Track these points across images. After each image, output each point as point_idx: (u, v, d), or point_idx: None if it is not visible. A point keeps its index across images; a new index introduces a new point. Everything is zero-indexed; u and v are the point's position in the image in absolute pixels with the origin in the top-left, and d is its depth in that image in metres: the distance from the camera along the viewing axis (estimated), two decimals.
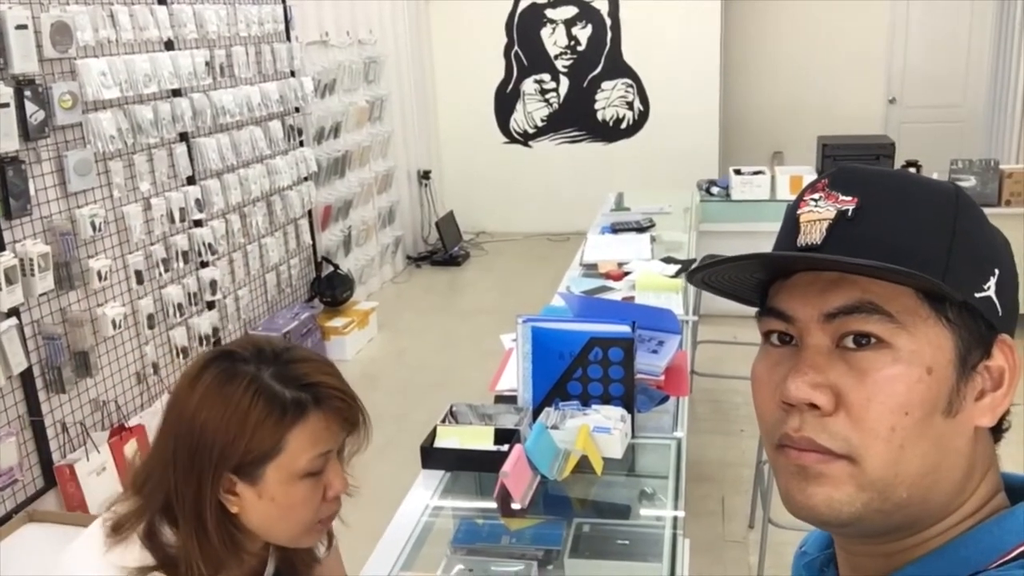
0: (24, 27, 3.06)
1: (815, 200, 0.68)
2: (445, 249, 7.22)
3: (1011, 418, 0.68)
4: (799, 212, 0.68)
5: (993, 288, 0.65)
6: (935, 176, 5.17)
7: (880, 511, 0.63)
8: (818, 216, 0.66)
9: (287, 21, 5.05)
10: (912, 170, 5.31)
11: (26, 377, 3.13)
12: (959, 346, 0.63)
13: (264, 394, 1.08)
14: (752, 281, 0.71)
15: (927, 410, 0.62)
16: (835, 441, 0.62)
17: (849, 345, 0.63)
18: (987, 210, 3.40)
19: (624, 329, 1.97)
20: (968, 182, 4.99)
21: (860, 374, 0.62)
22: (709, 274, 0.71)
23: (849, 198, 0.66)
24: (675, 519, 1.79)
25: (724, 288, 0.74)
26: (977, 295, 0.64)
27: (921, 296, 0.63)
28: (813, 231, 0.66)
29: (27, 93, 3.09)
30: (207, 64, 4.17)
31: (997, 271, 0.66)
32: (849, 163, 0.73)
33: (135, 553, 1.11)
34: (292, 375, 1.11)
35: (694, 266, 0.72)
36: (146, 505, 1.13)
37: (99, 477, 3.33)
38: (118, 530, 1.13)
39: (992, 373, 0.65)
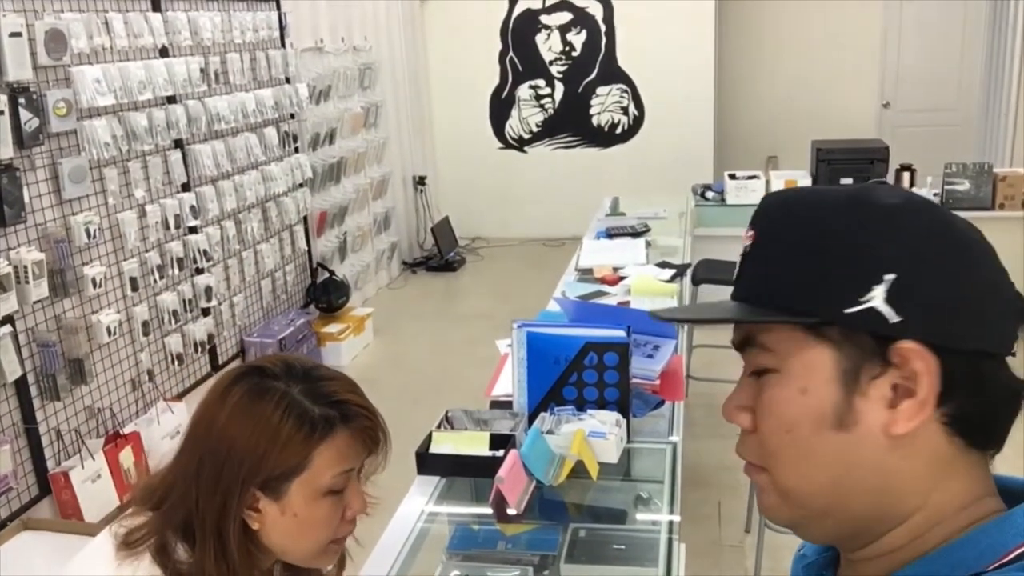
0: (18, 34, 3.06)
1: (744, 234, 0.74)
2: (441, 255, 7.22)
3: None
4: None
5: (881, 296, 0.63)
6: (930, 179, 5.21)
7: (812, 518, 0.69)
8: (739, 253, 0.73)
9: (282, 28, 5.06)
10: (906, 175, 5.33)
11: (20, 384, 3.12)
12: (843, 363, 0.64)
13: (295, 410, 1.10)
14: None
15: (810, 427, 0.66)
16: (753, 455, 0.70)
17: (757, 372, 0.70)
18: (981, 214, 3.38)
19: (619, 334, 1.97)
20: (962, 186, 5.01)
21: (760, 398, 0.69)
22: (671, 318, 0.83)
23: (751, 233, 0.71)
24: (671, 523, 1.79)
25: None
26: (850, 310, 0.63)
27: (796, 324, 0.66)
28: (737, 267, 0.73)
29: (21, 100, 3.08)
30: (202, 71, 4.17)
31: (891, 276, 0.63)
32: (780, 190, 0.73)
33: (145, 568, 1.10)
34: (321, 392, 1.13)
35: (654, 312, 0.78)
36: (164, 521, 1.13)
37: (94, 484, 3.32)
38: (130, 545, 1.12)
39: (900, 382, 0.63)
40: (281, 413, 1.09)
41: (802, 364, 0.66)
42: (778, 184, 5.35)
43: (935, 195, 5.17)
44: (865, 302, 0.63)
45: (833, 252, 0.65)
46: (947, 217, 0.66)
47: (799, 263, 0.66)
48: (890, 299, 0.63)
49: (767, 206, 0.71)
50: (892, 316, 0.63)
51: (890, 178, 5.38)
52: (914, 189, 5.28)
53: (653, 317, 0.76)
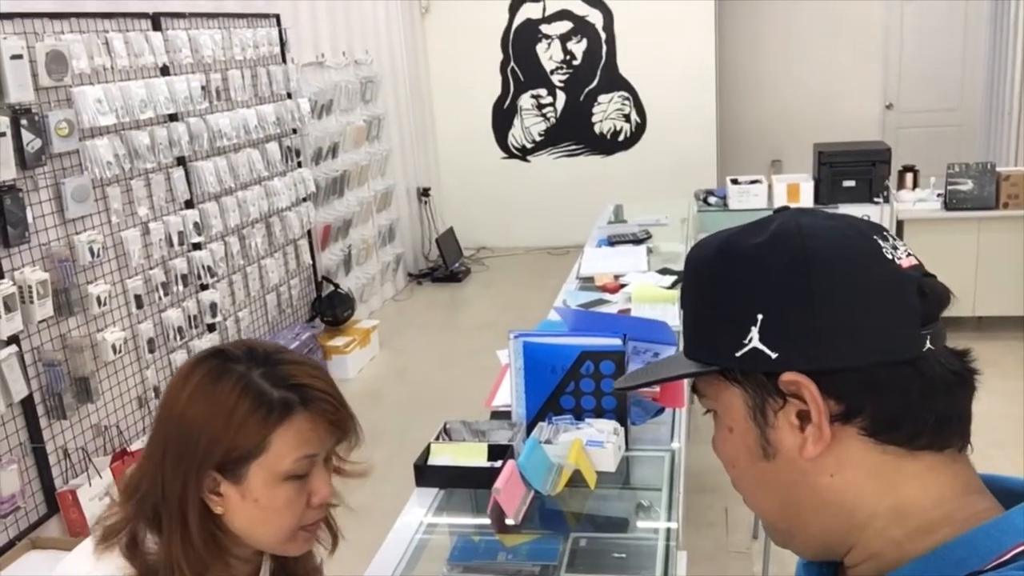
0: (19, 56, 3.09)
1: None
2: (446, 265, 7.23)
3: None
4: None
5: (756, 336, 0.67)
6: (933, 180, 5.21)
7: (786, 538, 0.74)
8: None
9: (282, 43, 5.09)
10: (909, 176, 5.31)
11: (27, 404, 3.14)
12: (750, 401, 0.69)
13: (251, 391, 1.08)
14: None
15: (746, 460, 0.72)
16: (735, 487, 0.76)
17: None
18: (985, 213, 3.38)
19: (615, 342, 1.97)
20: (965, 186, 5.00)
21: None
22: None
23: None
24: (669, 531, 1.79)
25: None
26: (738, 353, 0.68)
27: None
28: None
29: (23, 122, 3.11)
30: (203, 88, 4.20)
31: (760, 316, 0.66)
32: (698, 243, 0.76)
33: (113, 563, 1.11)
34: (281, 375, 1.11)
35: (622, 381, 0.86)
36: (136, 511, 1.13)
37: (102, 502, 3.33)
38: (107, 538, 1.13)
39: (801, 409, 0.67)
40: (238, 394, 1.08)
41: (724, 406, 0.72)
42: (780, 188, 5.35)
43: (939, 195, 5.17)
44: (748, 343, 0.67)
45: (713, 304, 0.71)
46: (814, 243, 0.67)
47: (695, 316, 0.73)
48: (762, 338, 0.66)
49: (685, 260, 0.77)
50: (771, 353, 0.66)
51: (893, 179, 5.37)
52: (917, 190, 5.27)
53: (617, 390, 0.84)
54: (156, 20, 3.96)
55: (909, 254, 0.68)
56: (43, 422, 3.22)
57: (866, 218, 0.72)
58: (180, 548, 1.10)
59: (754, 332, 0.67)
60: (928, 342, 0.66)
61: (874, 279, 0.66)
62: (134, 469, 1.18)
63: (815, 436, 0.66)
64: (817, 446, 0.66)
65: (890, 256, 0.67)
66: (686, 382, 2.46)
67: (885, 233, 0.69)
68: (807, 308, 0.65)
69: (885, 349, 0.65)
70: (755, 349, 0.67)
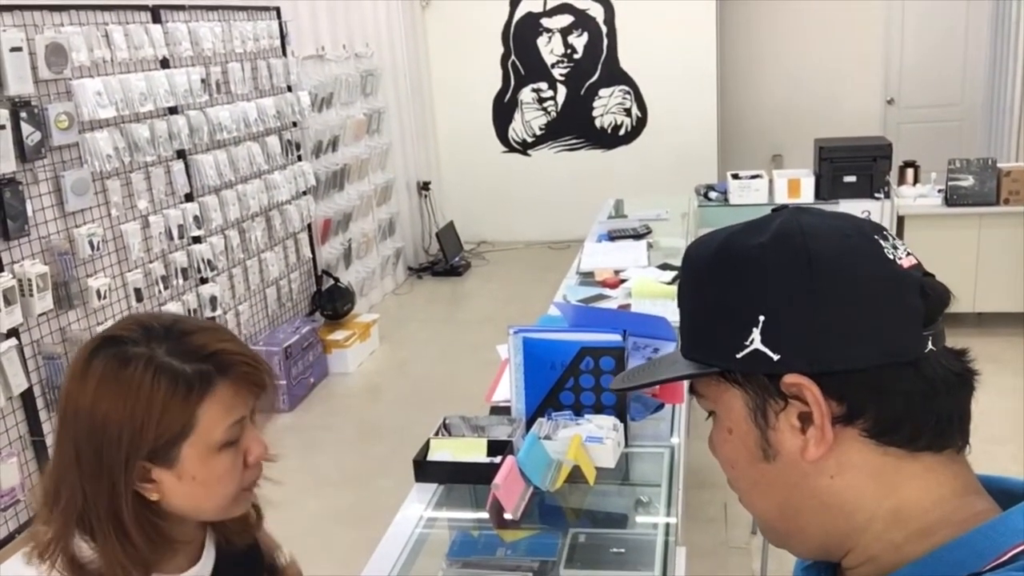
0: (19, 49, 3.08)
1: None
2: (446, 259, 7.23)
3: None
4: None
5: (758, 338, 0.66)
6: (934, 176, 5.20)
7: (782, 539, 0.74)
8: None
9: (283, 36, 5.08)
10: (910, 171, 5.31)
11: (27, 397, 3.14)
12: (750, 403, 0.69)
13: (165, 373, 1.02)
14: None
15: (745, 462, 0.71)
16: (731, 486, 0.76)
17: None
18: (986, 209, 3.36)
19: (615, 338, 1.97)
20: (966, 181, 4.99)
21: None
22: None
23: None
24: (668, 526, 1.79)
25: None
26: (739, 355, 0.67)
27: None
28: None
29: (23, 114, 3.11)
30: (203, 81, 4.19)
31: (762, 318, 0.66)
32: (695, 241, 0.75)
33: None
34: (189, 348, 1.05)
35: (618, 385, 0.85)
36: (63, 521, 1.06)
37: None
38: (41, 556, 1.06)
39: (802, 411, 0.66)
40: (151, 379, 1.01)
41: (724, 408, 0.71)
42: (781, 183, 5.33)
43: (939, 191, 5.16)
44: (749, 345, 0.66)
45: (713, 305, 0.70)
46: (816, 243, 0.66)
47: (694, 316, 0.72)
48: (764, 340, 0.66)
49: (683, 258, 0.76)
50: (773, 355, 0.66)
51: (894, 175, 5.36)
52: (918, 186, 5.27)
53: (613, 391, 0.83)
54: (156, 12, 3.95)
55: (909, 254, 0.68)
56: (43, 415, 3.22)
57: (866, 214, 0.72)
58: (121, 550, 1.05)
59: (756, 333, 0.66)
60: (930, 343, 0.66)
61: (876, 280, 0.66)
62: (47, 478, 1.10)
63: (817, 438, 0.66)
64: (819, 448, 0.66)
65: (891, 256, 0.66)
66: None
67: (885, 233, 0.68)
68: (809, 310, 0.65)
69: (888, 351, 0.65)
70: (756, 351, 0.66)
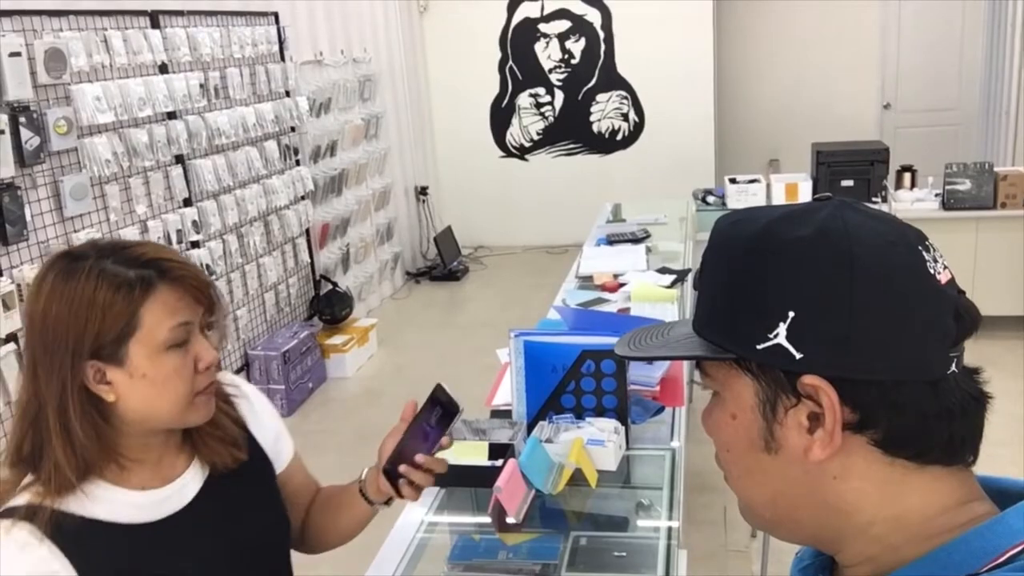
0: (18, 54, 3.09)
1: None
2: (444, 264, 7.23)
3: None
4: None
5: (784, 334, 0.64)
6: (931, 180, 5.21)
7: (769, 527, 0.74)
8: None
9: (281, 41, 5.08)
10: (907, 175, 5.32)
11: None
12: (761, 394, 0.68)
13: (107, 277, 1.10)
14: None
15: (743, 449, 0.70)
16: (720, 465, 0.75)
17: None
18: (983, 213, 3.37)
19: (615, 341, 1.97)
20: (963, 185, 5.00)
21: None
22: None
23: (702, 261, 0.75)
24: (670, 529, 1.79)
25: None
26: (760, 346, 0.65)
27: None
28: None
29: (22, 119, 3.11)
30: (201, 86, 4.20)
31: (792, 313, 0.64)
32: (726, 217, 0.73)
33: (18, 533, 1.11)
34: (132, 256, 1.14)
35: (623, 351, 0.80)
36: (15, 450, 1.14)
37: None
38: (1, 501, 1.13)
39: (812, 413, 0.65)
40: (95, 283, 1.10)
41: (732, 393, 0.70)
42: (779, 187, 5.35)
43: (936, 195, 5.17)
44: (773, 339, 0.65)
45: (742, 290, 0.67)
46: (860, 248, 0.64)
47: (719, 300, 0.70)
48: (790, 337, 0.64)
49: (711, 234, 0.73)
50: (796, 352, 0.64)
51: (891, 179, 5.38)
52: (915, 190, 5.28)
53: (617, 356, 0.81)
54: (155, 18, 3.95)
55: (945, 267, 0.67)
56: None
57: None
58: (62, 452, 1.11)
59: (781, 328, 0.64)
60: (953, 364, 0.65)
61: (915, 297, 0.64)
62: (16, 415, 1.18)
63: (824, 441, 0.65)
64: (824, 451, 0.65)
65: (931, 271, 0.65)
66: (685, 374, 2.47)
67: (928, 243, 0.66)
68: (843, 315, 0.63)
69: (912, 368, 0.64)
70: (778, 345, 0.64)
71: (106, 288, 1.10)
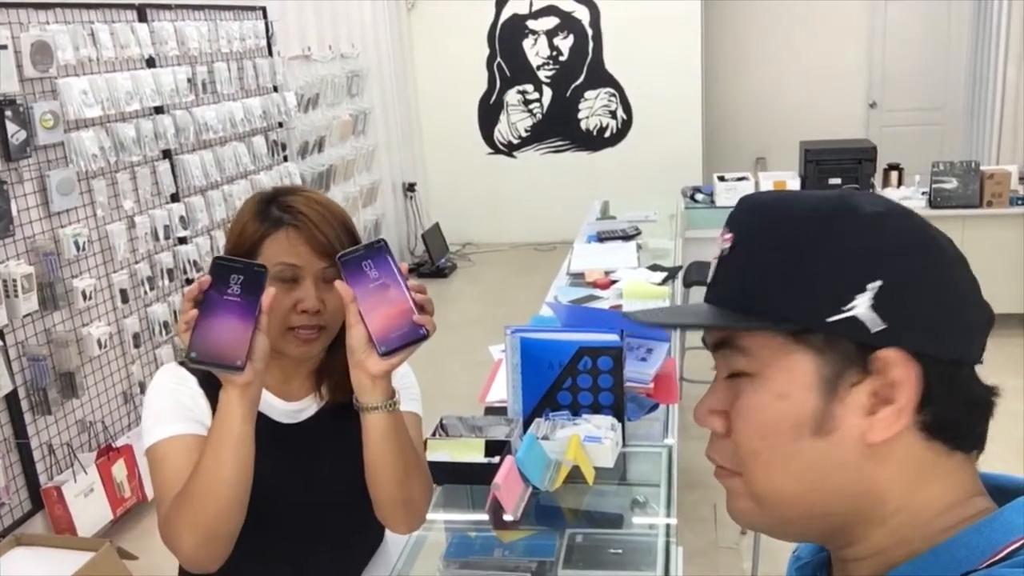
0: (4, 47, 3.05)
1: (720, 236, 0.73)
2: (432, 261, 7.21)
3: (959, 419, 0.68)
4: None
5: (867, 303, 0.63)
6: (918, 178, 5.24)
7: (786, 522, 0.69)
8: (716, 254, 0.72)
9: (269, 36, 5.05)
10: (894, 174, 5.36)
11: (11, 399, 3.10)
12: (823, 369, 0.64)
13: (259, 207, 1.41)
14: None
15: (787, 433, 0.66)
16: (726, 459, 0.70)
17: (732, 375, 0.69)
18: (969, 212, 3.40)
19: (613, 338, 1.97)
20: (950, 184, 5.03)
21: (736, 401, 0.68)
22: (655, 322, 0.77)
23: (729, 235, 0.70)
24: (668, 527, 1.79)
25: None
26: (833, 318, 0.63)
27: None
28: (711, 269, 0.72)
29: (8, 113, 3.07)
30: (189, 81, 4.16)
31: (877, 283, 0.63)
32: (759, 192, 0.73)
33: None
34: (286, 203, 1.40)
35: (633, 313, 0.76)
36: None
37: (87, 499, 3.30)
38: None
39: (880, 389, 0.64)
40: (253, 206, 1.42)
41: (782, 369, 0.66)
42: (767, 185, 5.36)
43: (923, 194, 5.20)
44: (848, 310, 0.63)
45: (816, 260, 0.65)
46: (928, 226, 0.67)
47: (781, 269, 0.66)
48: (876, 307, 0.63)
49: (746, 209, 0.71)
50: (876, 324, 0.63)
51: (878, 178, 5.41)
52: (902, 188, 5.31)
53: (630, 318, 0.74)
54: (142, 11, 3.92)
55: None
56: (27, 417, 3.18)
57: None
58: None
59: (860, 300, 0.62)
60: (982, 353, 0.68)
61: (972, 277, 0.67)
62: None
63: (889, 421, 0.63)
64: (888, 431, 0.63)
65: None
66: (677, 369, 2.47)
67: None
68: (936, 288, 0.64)
69: (968, 351, 0.66)
70: (854, 318, 0.63)
71: (250, 213, 1.41)
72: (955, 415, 0.65)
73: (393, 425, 1.32)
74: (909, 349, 0.63)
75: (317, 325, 1.39)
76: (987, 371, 0.68)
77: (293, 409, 1.49)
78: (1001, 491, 0.67)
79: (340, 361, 1.35)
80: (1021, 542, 0.61)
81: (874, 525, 0.66)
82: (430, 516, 1.89)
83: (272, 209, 1.39)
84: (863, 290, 0.63)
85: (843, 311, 0.63)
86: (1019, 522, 0.62)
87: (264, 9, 5.03)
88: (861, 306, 0.63)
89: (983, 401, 0.67)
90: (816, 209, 0.67)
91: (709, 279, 0.72)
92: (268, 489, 1.35)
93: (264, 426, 1.34)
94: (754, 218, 0.70)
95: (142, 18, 3.91)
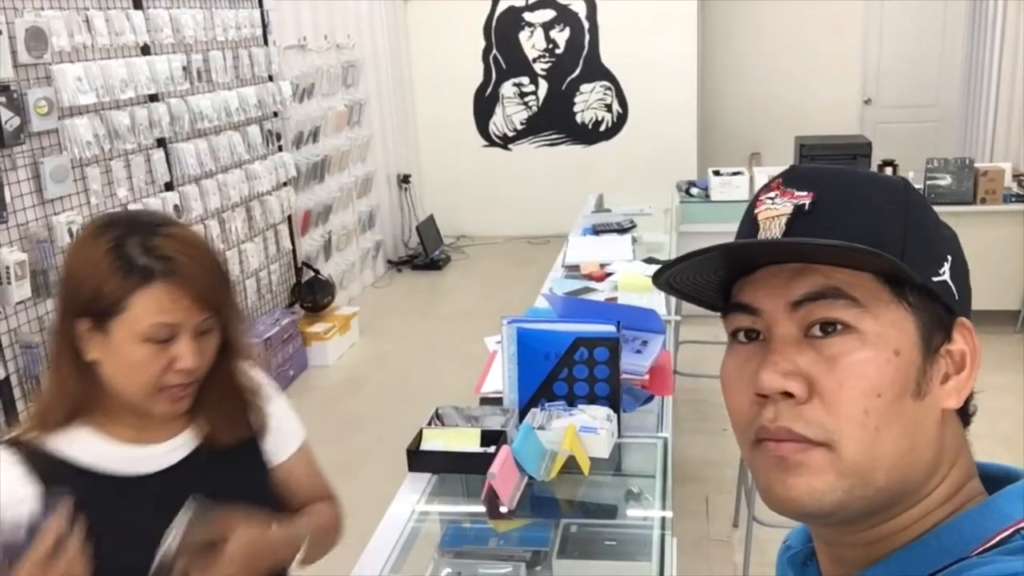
0: None
1: (771, 198, 0.70)
2: (426, 253, 7.20)
3: (976, 403, 0.71)
4: (757, 211, 0.70)
5: (948, 274, 0.67)
6: (911, 175, 5.25)
7: (862, 497, 0.63)
8: (776, 212, 0.68)
9: (264, 25, 5.03)
10: (889, 170, 5.37)
11: (3, 386, 3.09)
12: (921, 329, 0.65)
13: (119, 254, 1.17)
14: (715, 281, 0.72)
15: (897, 392, 0.63)
16: (811, 428, 0.62)
17: (817, 333, 0.64)
18: (963, 208, 3.44)
19: (609, 329, 1.97)
20: (944, 180, 5.05)
21: (830, 360, 0.63)
22: (674, 273, 0.72)
23: (805, 193, 0.68)
24: (663, 518, 1.79)
25: (687, 290, 0.74)
26: (935, 279, 0.66)
27: (882, 280, 0.64)
28: (772, 227, 0.68)
29: (2, 99, 3.05)
30: (184, 69, 4.14)
31: (950, 257, 0.68)
32: (804, 164, 0.77)
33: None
34: (152, 245, 1.18)
35: (659, 267, 0.71)
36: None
37: None
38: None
39: (954, 356, 0.67)
40: (105, 252, 1.17)
41: (891, 326, 0.64)
42: (762, 180, 5.36)
43: (918, 190, 5.22)
44: (942, 275, 0.67)
45: (914, 226, 0.67)
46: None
47: (886, 226, 0.66)
48: (953, 278, 0.68)
49: (814, 173, 0.69)
50: (956, 294, 0.68)
51: None
52: None
53: (730, 246, 0.68)
54: None
55: None
56: (20, 405, 3.16)
57: None
58: (52, 390, 1.23)
59: (947, 268, 0.67)
60: None
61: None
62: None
63: (962, 386, 0.67)
64: (961, 396, 0.67)
65: None
66: (672, 363, 2.47)
67: None
68: (967, 269, 0.71)
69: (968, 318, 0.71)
70: (946, 283, 0.67)
71: (110, 264, 1.17)
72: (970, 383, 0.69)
73: (314, 547, 1.37)
74: (969, 318, 0.69)
75: (192, 381, 1.24)
76: (980, 369, 0.70)
77: (159, 452, 1.28)
78: (990, 479, 0.68)
79: (216, 389, 1.29)
80: (1012, 529, 0.61)
81: (922, 498, 0.66)
82: (425, 506, 1.89)
83: (136, 256, 1.16)
84: (946, 259, 0.68)
85: (941, 275, 0.67)
86: (1010, 510, 0.63)
87: None
88: (947, 275, 0.67)
89: None
90: (888, 180, 0.71)
91: (779, 235, 0.67)
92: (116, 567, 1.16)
93: (98, 489, 1.20)
94: (831, 179, 0.69)
95: (137, 5, 3.89)
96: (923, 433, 0.65)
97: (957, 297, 0.68)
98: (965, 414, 0.70)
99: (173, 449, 1.29)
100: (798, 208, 0.67)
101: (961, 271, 0.69)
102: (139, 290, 1.16)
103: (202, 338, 1.22)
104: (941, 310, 0.67)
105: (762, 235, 0.68)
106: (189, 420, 1.31)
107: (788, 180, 0.70)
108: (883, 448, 0.63)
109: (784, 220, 0.67)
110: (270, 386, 1.43)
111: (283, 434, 1.42)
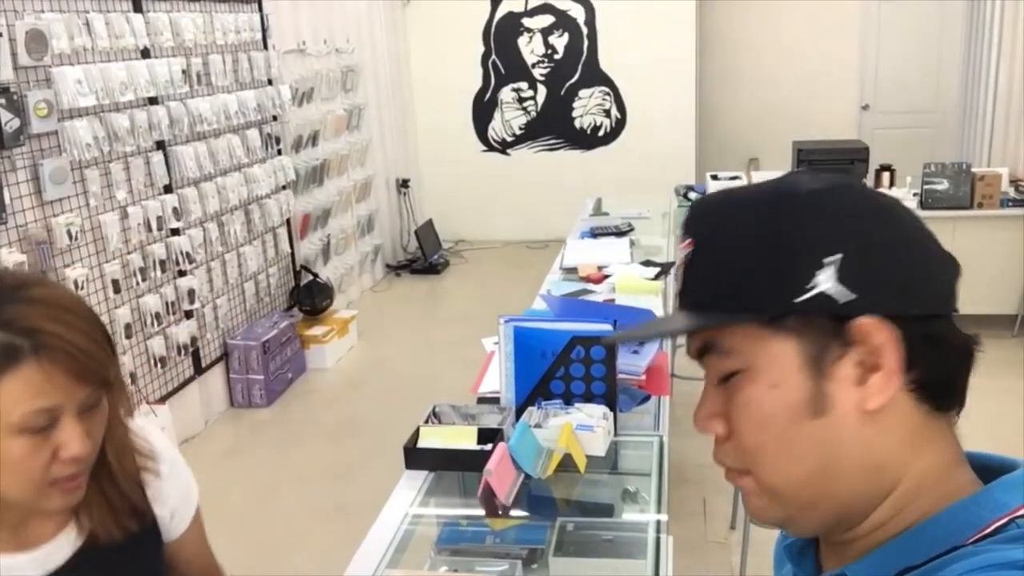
0: None
1: (681, 244, 0.73)
2: (424, 257, 7.21)
3: (972, 404, 0.69)
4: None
5: (831, 277, 0.64)
6: (909, 180, 5.26)
7: (802, 511, 0.69)
8: (680, 262, 0.73)
9: (264, 29, 5.04)
10: (886, 175, 5.38)
11: None
12: (806, 350, 0.65)
13: None
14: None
15: (785, 420, 0.66)
16: (733, 460, 0.70)
17: (723, 378, 0.70)
18: (960, 213, 3.41)
19: (606, 328, 1.98)
20: (941, 185, 5.06)
21: (731, 402, 0.69)
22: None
23: (688, 241, 0.71)
24: (659, 517, 1.79)
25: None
26: (800, 298, 0.64)
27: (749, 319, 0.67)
28: (679, 278, 0.73)
29: (2, 101, 3.06)
30: (184, 72, 4.15)
31: (836, 257, 0.64)
32: (707, 195, 0.74)
33: None
34: (13, 316, 0.93)
35: (611, 337, 0.77)
36: None
37: None
38: None
39: (865, 358, 0.64)
40: None
41: (767, 359, 0.66)
42: None
43: (915, 195, 5.23)
44: (812, 288, 0.64)
45: (769, 246, 0.65)
46: (872, 192, 0.69)
47: (741, 263, 0.67)
48: (841, 279, 0.64)
49: (698, 213, 0.72)
50: (844, 296, 0.64)
51: (870, 178, 5.43)
52: (894, 189, 5.34)
53: (606, 344, 0.77)
54: (137, 2, 3.91)
55: None
56: None
57: None
58: None
59: (822, 275, 0.63)
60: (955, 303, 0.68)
61: (928, 234, 0.69)
62: None
63: (882, 385, 0.64)
64: (884, 395, 0.64)
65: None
66: (669, 365, 2.48)
67: None
68: (891, 251, 0.65)
69: (940, 303, 0.67)
70: (821, 293, 0.64)
71: None
72: (939, 370, 0.66)
73: None
74: (883, 313, 0.64)
75: (84, 468, 1.03)
76: (977, 373, 0.69)
77: (36, 558, 1.08)
78: (987, 470, 0.68)
79: (100, 479, 1.08)
80: (1007, 518, 0.62)
81: (879, 499, 0.67)
82: (422, 503, 1.90)
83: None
84: (822, 266, 0.64)
85: (808, 290, 0.64)
86: (1006, 499, 0.63)
87: (259, 2, 5.03)
88: (825, 281, 0.64)
89: (966, 351, 0.68)
90: (759, 199, 0.69)
91: (679, 288, 0.72)
92: None
93: None
94: (706, 220, 0.70)
95: (137, 8, 3.90)
96: (837, 445, 0.66)
97: (852, 297, 0.64)
98: (937, 395, 0.67)
99: (51, 553, 1.08)
100: (687, 260, 0.71)
101: (868, 259, 0.64)
102: (4, 375, 0.92)
103: (88, 415, 1.00)
104: (827, 323, 0.64)
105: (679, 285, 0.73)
106: (67, 516, 1.09)
107: (686, 226, 0.72)
108: (790, 470, 0.67)
109: (683, 271, 0.72)
110: (162, 441, 1.21)
111: (181, 502, 1.22)
